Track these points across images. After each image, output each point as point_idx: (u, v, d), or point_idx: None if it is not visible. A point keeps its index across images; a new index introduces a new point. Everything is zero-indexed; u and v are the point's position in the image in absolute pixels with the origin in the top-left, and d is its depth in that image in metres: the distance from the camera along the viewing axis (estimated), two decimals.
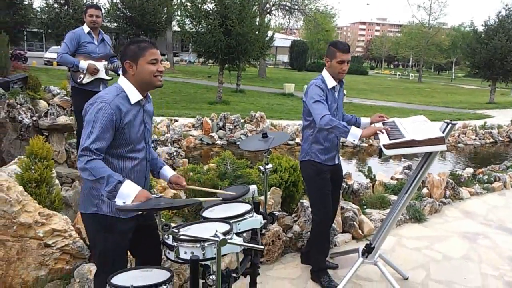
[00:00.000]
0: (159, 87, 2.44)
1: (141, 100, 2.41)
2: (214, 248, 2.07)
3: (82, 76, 4.94)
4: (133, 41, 2.40)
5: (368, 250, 3.58)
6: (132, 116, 2.35)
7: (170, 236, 2.21)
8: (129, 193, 2.18)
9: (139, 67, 2.35)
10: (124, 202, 2.16)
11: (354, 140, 3.26)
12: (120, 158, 2.37)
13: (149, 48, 2.36)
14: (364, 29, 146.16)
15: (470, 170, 7.40)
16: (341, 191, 4.50)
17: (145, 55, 2.35)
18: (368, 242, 3.68)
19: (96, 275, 2.53)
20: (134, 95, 2.38)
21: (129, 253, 2.80)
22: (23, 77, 6.23)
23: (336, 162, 3.71)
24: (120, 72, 5.03)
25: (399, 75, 60.68)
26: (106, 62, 5.06)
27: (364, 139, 11.07)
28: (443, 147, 2.97)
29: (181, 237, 2.13)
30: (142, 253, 2.65)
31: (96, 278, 2.52)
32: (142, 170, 2.48)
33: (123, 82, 2.39)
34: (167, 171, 2.71)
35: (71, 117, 6.03)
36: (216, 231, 2.06)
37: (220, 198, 2.75)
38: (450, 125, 3.14)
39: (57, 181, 4.03)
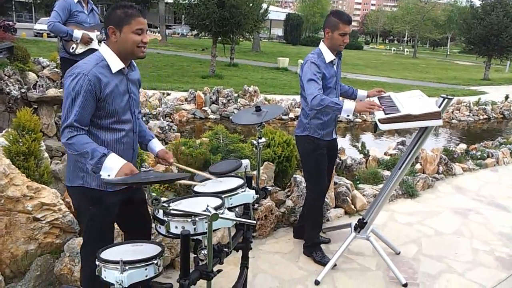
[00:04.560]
0: (141, 58, 2.31)
1: (123, 68, 2.29)
2: (206, 222, 2.03)
3: (75, 46, 4.77)
4: (120, 6, 2.25)
5: (361, 225, 3.58)
6: (113, 86, 2.24)
7: (161, 210, 2.17)
8: (113, 166, 2.13)
9: (122, 35, 2.23)
10: (108, 175, 2.12)
11: (348, 115, 3.21)
12: (105, 129, 2.28)
13: (136, 16, 2.23)
14: (359, 3, 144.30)
15: (463, 146, 7.39)
16: (334, 166, 4.47)
17: (131, 23, 2.22)
18: (360, 217, 3.67)
19: (82, 247, 2.49)
20: (116, 64, 2.25)
21: (118, 228, 2.77)
22: (8, 47, 6.04)
23: (334, 137, 3.66)
24: None
25: (394, 50, 60.33)
26: (98, 33, 4.91)
27: (358, 114, 11.07)
28: (439, 122, 2.92)
29: (172, 211, 2.08)
30: (131, 227, 2.60)
31: (82, 251, 2.49)
32: (130, 141, 2.41)
33: (104, 49, 2.27)
34: (155, 145, 2.62)
35: (60, 89, 5.90)
36: (208, 206, 2.02)
37: (212, 177, 2.69)
38: (446, 100, 3.08)
39: (46, 154, 3.95)
